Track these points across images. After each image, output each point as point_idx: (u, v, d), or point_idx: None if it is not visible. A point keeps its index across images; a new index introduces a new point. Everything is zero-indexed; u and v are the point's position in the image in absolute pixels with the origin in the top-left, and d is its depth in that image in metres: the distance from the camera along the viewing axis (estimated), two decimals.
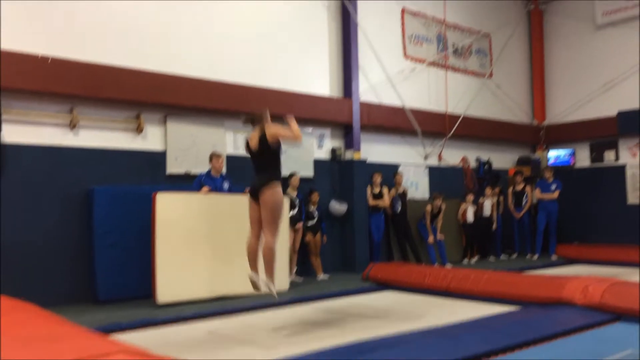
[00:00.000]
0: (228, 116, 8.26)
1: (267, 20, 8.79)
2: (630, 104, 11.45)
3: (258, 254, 5.04)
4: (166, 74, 7.50)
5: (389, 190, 9.71)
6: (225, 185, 7.23)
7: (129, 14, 7.41)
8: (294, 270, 8.17)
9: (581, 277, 6.20)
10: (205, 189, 6.93)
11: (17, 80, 6.36)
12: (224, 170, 7.77)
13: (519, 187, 11.25)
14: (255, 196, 4.96)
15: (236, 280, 6.69)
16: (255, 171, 5.10)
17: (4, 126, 6.30)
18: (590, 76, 12.40)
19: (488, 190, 10.91)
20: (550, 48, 13.27)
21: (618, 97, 11.80)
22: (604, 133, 11.95)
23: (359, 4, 9.74)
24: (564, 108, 12.84)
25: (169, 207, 6.46)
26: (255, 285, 5.05)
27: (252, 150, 5.11)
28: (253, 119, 5.19)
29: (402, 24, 10.78)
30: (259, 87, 8.37)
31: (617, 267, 9.38)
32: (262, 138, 5.00)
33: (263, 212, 4.89)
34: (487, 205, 10.81)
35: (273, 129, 5.03)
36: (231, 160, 8.22)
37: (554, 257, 10.81)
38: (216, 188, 7.07)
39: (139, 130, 7.44)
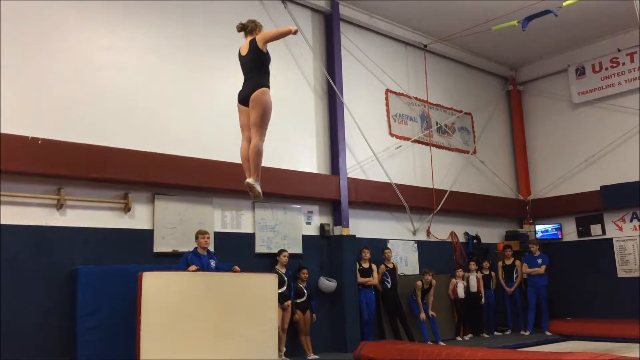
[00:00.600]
0: (216, 194, 8.30)
1: None
2: (612, 179, 11.70)
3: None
4: (154, 152, 7.59)
5: (378, 266, 9.65)
6: (212, 263, 7.13)
7: (118, 95, 7.57)
8: (283, 350, 7.92)
9: (577, 353, 6.09)
10: (192, 267, 6.82)
11: (8, 162, 6.38)
12: (211, 248, 7.70)
13: (509, 261, 11.25)
14: (244, 103, 5.08)
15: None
16: (245, 79, 5.22)
17: None
18: (571, 152, 12.74)
19: (472, 265, 10.88)
20: (531, 125, 13.70)
21: (600, 171, 12.08)
22: (589, 207, 12.11)
23: (345, 86, 10.08)
24: (547, 183, 13.08)
25: (155, 286, 6.32)
26: (252, 189, 5.21)
27: (242, 56, 5.21)
28: (245, 27, 5.30)
29: (387, 103, 11.14)
30: None
31: (610, 343, 9.22)
32: (252, 42, 5.14)
33: (252, 113, 5.03)
34: (473, 280, 10.73)
35: (263, 33, 5.20)
36: (219, 237, 8.17)
37: (547, 333, 10.62)
38: (203, 266, 6.95)
39: (126, 209, 7.42)
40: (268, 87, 5.20)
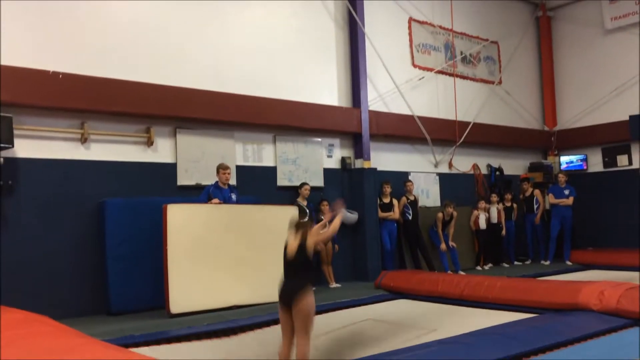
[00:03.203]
0: (237, 127, 8.31)
1: (276, 32, 8.83)
2: None
3: None
4: (176, 86, 7.56)
5: (399, 198, 9.69)
6: (233, 196, 7.24)
7: (138, 29, 7.48)
8: None
9: (597, 282, 6.12)
10: (214, 200, 6.95)
11: (30, 96, 6.44)
12: (233, 181, 7.79)
13: (528, 193, 11.19)
14: (285, 302, 4.50)
15: (247, 289, 6.69)
16: (286, 274, 4.62)
17: (16, 141, 6.37)
18: (600, 81, 12.33)
19: (494, 197, 10.84)
20: (560, 54, 13.22)
21: (629, 101, 11.70)
22: (616, 137, 11.85)
23: (366, 15, 9.77)
24: (574, 113, 12.76)
25: (179, 218, 6.50)
26: None
27: (287, 252, 4.61)
28: (298, 226, 4.70)
29: (410, 33, 10.80)
30: (268, 98, 8.41)
31: (632, 272, 9.23)
32: (302, 246, 4.56)
33: (296, 322, 4.45)
34: (494, 211, 10.73)
35: (313, 239, 4.57)
36: (240, 170, 8.25)
37: (568, 263, 10.70)
38: (224, 199, 7.08)
39: (149, 143, 7.49)
40: (312, 284, 4.58)
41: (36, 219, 6.56)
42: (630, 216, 11.54)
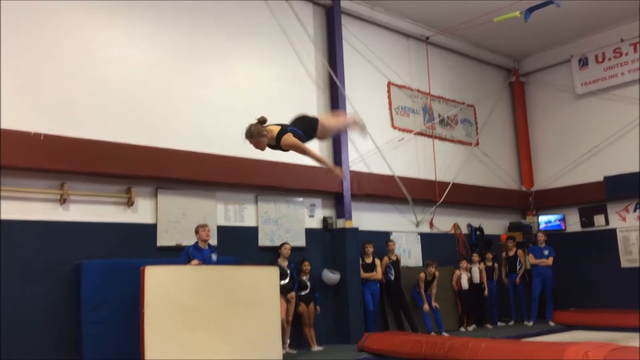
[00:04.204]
0: (219, 188, 8.32)
1: (258, 94, 9.00)
2: (615, 169, 11.66)
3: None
4: (157, 147, 7.60)
5: (382, 258, 9.66)
6: (213, 256, 7.13)
7: (120, 90, 7.57)
8: (287, 342, 7.95)
9: (581, 343, 6.09)
10: (194, 261, 6.84)
11: (11, 158, 6.41)
12: (215, 242, 7.72)
13: (512, 252, 11.26)
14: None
15: (227, 353, 6.50)
16: None
17: None
18: (575, 142, 12.69)
19: (475, 257, 10.88)
20: (534, 116, 13.66)
21: (604, 162, 12.04)
22: (592, 198, 12.09)
23: (347, 79, 10.06)
24: (551, 174, 13.05)
25: (157, 280, 6.35)
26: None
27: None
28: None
29: (389, 96, 11.11)
30: (249, 159, 8.47)
31: (614, 332, 9.23)
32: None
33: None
34: (475, 271, 10.74)
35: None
36: (222, 231, 8.19)
37: (551, 324, 10.65)
38: (204, 260, 6.98)
39: (129, 203, 7.44)
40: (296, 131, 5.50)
41: (11, 282, 6.38)
42: (609, 276, 11.63)
